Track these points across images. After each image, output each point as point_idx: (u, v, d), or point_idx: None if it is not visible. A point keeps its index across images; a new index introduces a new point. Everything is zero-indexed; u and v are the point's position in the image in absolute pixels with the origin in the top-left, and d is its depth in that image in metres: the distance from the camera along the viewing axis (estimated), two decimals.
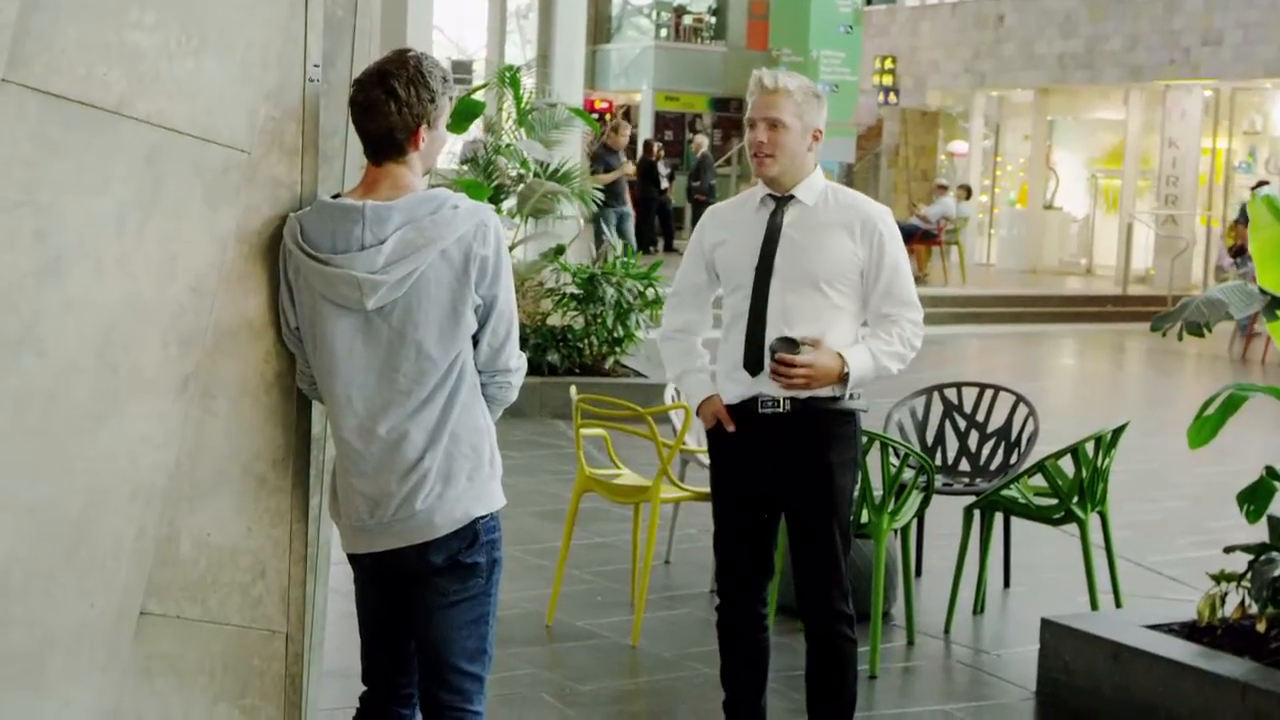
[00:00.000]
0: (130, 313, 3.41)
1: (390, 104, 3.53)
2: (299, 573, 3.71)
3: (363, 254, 3.49)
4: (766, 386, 4.63)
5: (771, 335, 4.59)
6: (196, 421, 3.54)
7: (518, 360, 3.73)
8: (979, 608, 7.03)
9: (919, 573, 7.36)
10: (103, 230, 3.36)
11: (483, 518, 3.66)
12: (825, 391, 4.62)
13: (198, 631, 3.60)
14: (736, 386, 4.69)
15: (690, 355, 4.87)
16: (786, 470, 4.68)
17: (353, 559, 3.75)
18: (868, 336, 4.68)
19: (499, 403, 3.74)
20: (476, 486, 3.64)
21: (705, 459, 7.05)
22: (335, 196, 3.58)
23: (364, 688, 3.88)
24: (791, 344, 4.52)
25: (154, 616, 3.54)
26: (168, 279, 3.46)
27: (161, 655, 3.56)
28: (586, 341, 12.02)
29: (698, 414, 4.80)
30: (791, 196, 4.67)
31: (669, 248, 25.85)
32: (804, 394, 4.61)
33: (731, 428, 4.69)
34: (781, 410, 4.63)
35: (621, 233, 19.76)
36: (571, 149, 16.05)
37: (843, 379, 4.58)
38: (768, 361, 4.55)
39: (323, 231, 3.52)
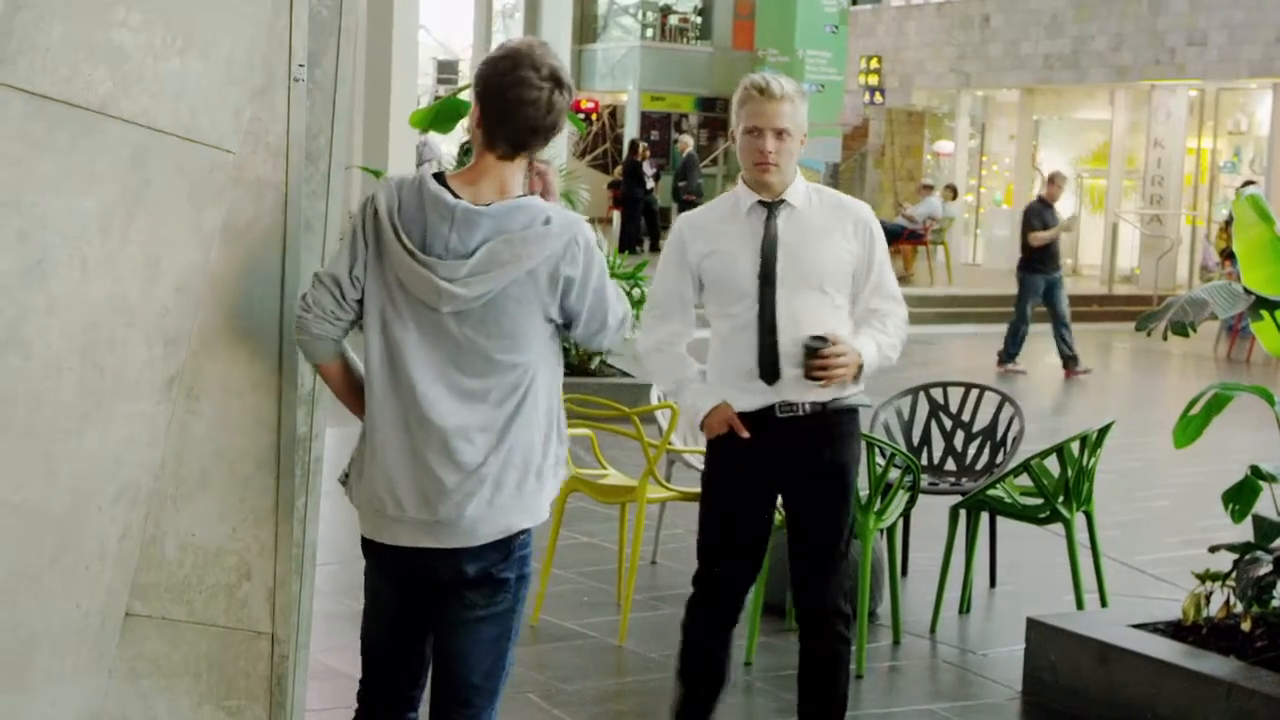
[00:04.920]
0: (115, 313, 3.40)
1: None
2: (284, 573, 3.70)
3: (446, 261, 3.42)
4: (788, 393, 4.60)
5: (785, 343, 4.57)
6: (181, 422, 3.53)
7: (615, 326, 3.77)
8: (965, 607, 7.04)
9: (905, 572, 7.37)
10: (87, 230, 3.35)
11: (521, 532, 3.59)
12: (841, 391, 4.62)
13: (183, 633, 3.59)
14: (751, 397, 4.63)
15: (682, 365, 4.78)
16: (802, 469, 4.65)
17: (372, 550, 3.62)
18: (866, 329, 4.67)
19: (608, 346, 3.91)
20: (523, 498, 3.57)
21: (691, 459, 7.08)
22: (438, 176, 3.51)
23: (357, 686, 3.78)
24: (821, 341, 4.52)
25: (139, 618, 3.53)
26: (152, 279, 3.45)
27: (147, 657, 3.56)
28: (572, 341, 11.99)
29: (701, 425, 4.72)
30: (782, 200, 4.66)
31: (655, 248, 25.85)
32: (826, 395, 4.60)
33: (746, 434, 4.63)
34: (799, 414, 4.63)
35: (1051, 301, 15.89)
36: (556, 148, 16.06)
37: (858, 371, 4.59)
38: (804, 364, 4.52)
39: (415, 218, 3.46)
